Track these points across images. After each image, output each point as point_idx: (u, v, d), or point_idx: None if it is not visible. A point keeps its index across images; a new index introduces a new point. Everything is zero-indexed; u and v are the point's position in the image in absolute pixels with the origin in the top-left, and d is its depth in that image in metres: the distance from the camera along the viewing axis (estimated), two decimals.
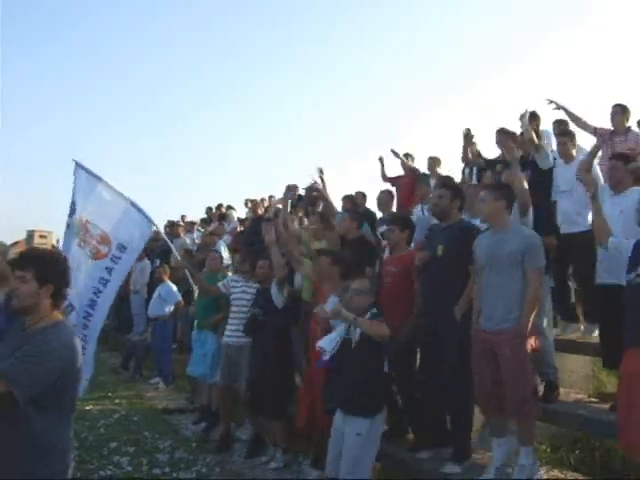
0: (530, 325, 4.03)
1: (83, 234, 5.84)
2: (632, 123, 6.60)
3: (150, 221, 6.11)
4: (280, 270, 5.75)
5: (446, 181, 5.94)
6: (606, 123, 6.68)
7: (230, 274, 7.36)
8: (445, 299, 4.65)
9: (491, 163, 6.52)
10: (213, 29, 44.23)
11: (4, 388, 2.44)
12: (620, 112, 6.46)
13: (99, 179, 6.00)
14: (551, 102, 6.51)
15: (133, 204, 6.05)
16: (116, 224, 5.94)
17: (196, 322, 7.50)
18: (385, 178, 8.93)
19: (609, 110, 6.61)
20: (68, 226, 5.88)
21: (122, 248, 5.89)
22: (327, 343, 4.20)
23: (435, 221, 5.36)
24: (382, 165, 9.00)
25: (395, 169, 9.00)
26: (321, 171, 6.81)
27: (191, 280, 7.60)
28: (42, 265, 2.68)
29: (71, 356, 2.66)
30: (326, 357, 4.19)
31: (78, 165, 6.02)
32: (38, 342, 2.59)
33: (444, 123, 41.55)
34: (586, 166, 5.41)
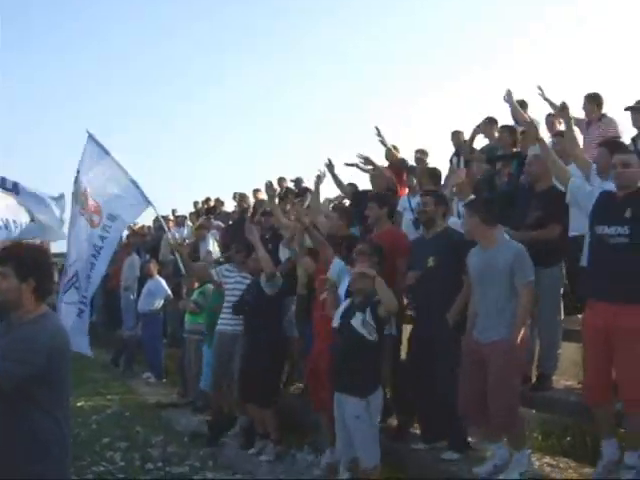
0: (520, 337, 4.07)
1: (83, 201, 6.13)
2: (606, 110, 6.53)
3: (147, 201, 6.38)
4: (268, 265, 5.73)
5: (429, 190, 5.86)
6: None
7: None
8: (439, 309, 4.66)
9: (492, 160, 6.43)
10: (214, 19, 43.87)
11: None
12: (589, 102, 6.46)
13: (107, 153, 6.29)
14: (540, 91, 6.57)
15: (133, 182, 6.32)
16: (110, 198, 6.22)
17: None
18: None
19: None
20: (73, 195, 6.17)
21: (112, 218, 6.17)
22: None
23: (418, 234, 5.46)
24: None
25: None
26: (330, 163, 6.81)
27: (181, 265, 7.28)
28: (22, 260, 2.64)
29: (59, 345, 2.64)
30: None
31: (90, 137, 6.32)
32: (24, 334, 2.58)
33: (440, 108, 41.34)
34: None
